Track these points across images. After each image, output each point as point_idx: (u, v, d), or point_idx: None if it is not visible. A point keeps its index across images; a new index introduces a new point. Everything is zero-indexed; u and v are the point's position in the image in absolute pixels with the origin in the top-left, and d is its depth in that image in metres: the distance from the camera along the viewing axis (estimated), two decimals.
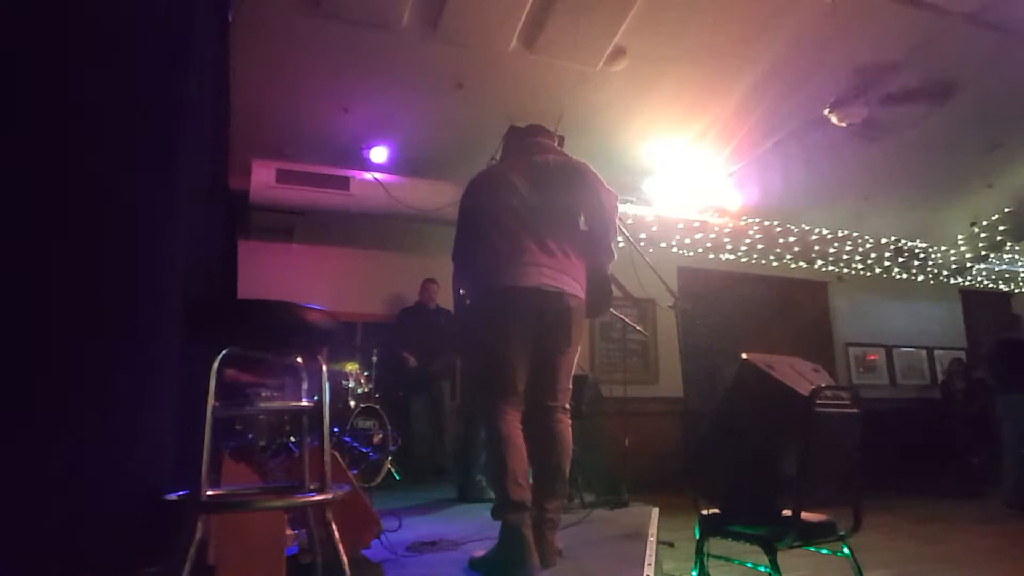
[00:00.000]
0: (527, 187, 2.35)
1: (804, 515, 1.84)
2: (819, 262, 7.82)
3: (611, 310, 3.83)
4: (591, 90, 4.77)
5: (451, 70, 4.51)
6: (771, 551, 1.82)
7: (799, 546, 1.90)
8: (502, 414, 2.14)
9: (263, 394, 2.86)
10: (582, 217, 2.41)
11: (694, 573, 2.12)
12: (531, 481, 2.17)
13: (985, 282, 8.95)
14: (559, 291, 2.21)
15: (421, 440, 5.16)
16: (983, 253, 7.97)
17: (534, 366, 2.22)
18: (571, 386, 2.32)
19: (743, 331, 6.84)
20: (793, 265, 7.79)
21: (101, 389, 1.46)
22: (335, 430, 4.16)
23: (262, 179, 4.85)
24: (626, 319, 4.12)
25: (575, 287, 2.28)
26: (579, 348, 2.32)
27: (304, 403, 1.77)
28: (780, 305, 7.59)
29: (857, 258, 7.80)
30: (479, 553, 2.17)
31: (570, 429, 2.26)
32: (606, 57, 4.46)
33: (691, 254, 7.20)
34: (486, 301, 2.25)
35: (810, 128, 5.29)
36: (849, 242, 7.40)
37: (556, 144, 2.58)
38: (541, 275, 2.20)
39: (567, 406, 2.28)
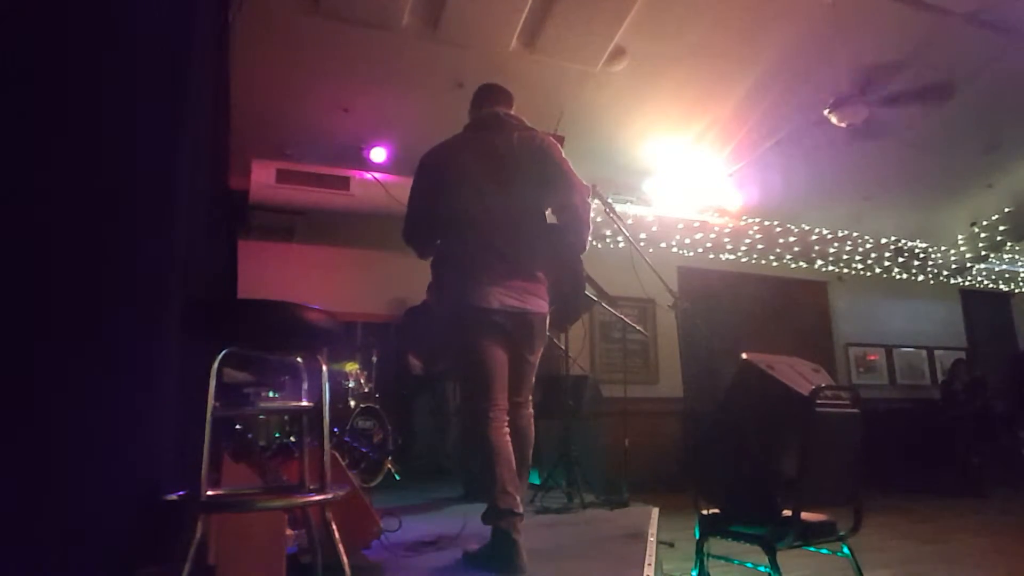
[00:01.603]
0: (488, 185, 2.23)
1: (804, 515, 1.84)
2: (819, 262, 7.82)
3: (612, 311, 3.88)
4: (591, 90, 4.77)
5: (451, 70, 4.50)
6: (771, 551, 1.83)
7: (799, 546, 1.91)
8: (488, 420, 2.15)
9: (263, 394, 2.86)
10: (549, 209, 2.36)
11: (694, 573, 2.13)
12: None
13: (985, 282, 8.95)
14: (522, 311, 2.20)
15: (422, 440, 5.16)
16: (983, 253, 7.97)
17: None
18: (533, 381, 2.40)
19: (743, 331, 6.84)
20: (793, 265, 7.79)
21: (101, 389, 1.46)
22: (335, 430, 4.16)
23: (262, 179, 4.86)
24: (626, 319, 4.12)
25: (538, 303, 2.25)
26: (541, 351, 2.36)
27: (304, 403, 1.77)
28: (780, 305, 7.59)
29: (857, 258, 7.79)
30: (474, 547, 2.19)
31: (532, 420, 2.36)
32: (606, 57, 4.46)
33: (691, 254, 7.20)
34: (454, 318, 2.24)
35: (810, 128, 5.29)
36: (849, 242, 7.40)
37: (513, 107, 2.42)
38: (504, 296, 2.17)
39: (530, 399, 2.38)
